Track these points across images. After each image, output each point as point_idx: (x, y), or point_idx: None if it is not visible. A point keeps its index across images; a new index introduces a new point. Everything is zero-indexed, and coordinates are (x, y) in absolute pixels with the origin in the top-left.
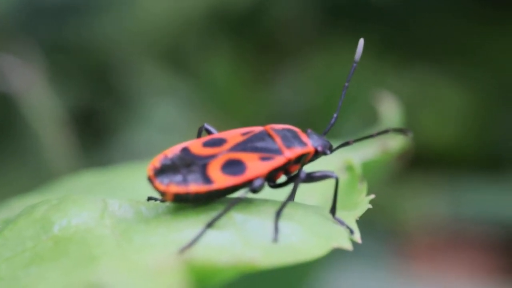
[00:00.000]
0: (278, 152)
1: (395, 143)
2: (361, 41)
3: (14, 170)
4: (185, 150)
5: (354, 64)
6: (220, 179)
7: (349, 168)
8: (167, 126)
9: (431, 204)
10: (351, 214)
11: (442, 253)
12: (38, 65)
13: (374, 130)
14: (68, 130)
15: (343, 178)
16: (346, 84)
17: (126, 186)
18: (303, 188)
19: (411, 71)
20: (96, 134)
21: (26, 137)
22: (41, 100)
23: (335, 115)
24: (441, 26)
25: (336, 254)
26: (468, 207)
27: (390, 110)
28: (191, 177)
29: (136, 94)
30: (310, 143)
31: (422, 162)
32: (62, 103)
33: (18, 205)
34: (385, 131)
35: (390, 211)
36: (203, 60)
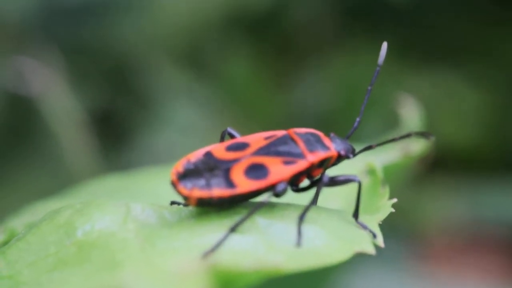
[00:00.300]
0: (301, 156)
1: (417, 146)
2: (385, 45)
3: (35, 172)
4: (208, 154)
5: (378, 68)
6: (243, 183)
7: (371, 172)
8: (186, 127)
9: (450, 206)
10: (373, 218)
11: (462, 256)
12: (58, 67)
13: (395, 134)
14: (88, 131)
15: (365, 182)
16: (369, 87)
17: (149, 191)
18: (326, 192)
19: (430, 72)
20: (116, 136)
21: (46, 139)
22: (61, 102)
23: (358, 119)
24: (459, 27)
25: (357, 257)
26: (487, 210)
27: (411, 113)
28: (214, 181)
29: (156, 95)
30: (333, 147)
31: (441, 164)
32: (82, 105)
33: (41, 209)
34: (408, 135)
35: (410, 214)
36: (223, 62)
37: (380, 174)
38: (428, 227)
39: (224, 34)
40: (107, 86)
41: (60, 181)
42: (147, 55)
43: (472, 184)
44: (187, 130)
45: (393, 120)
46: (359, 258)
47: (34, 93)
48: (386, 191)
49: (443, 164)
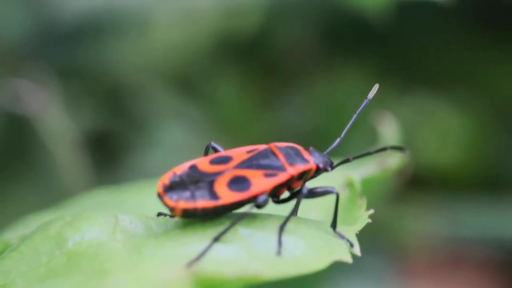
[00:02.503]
0: (281, 169)
1: (394, 160)
2: (376, 86)
3: (30, 188)
4: (193, 167)
5: (366, 100)
6: (226, 195)
7: (350, 184)
8: (177, 147)
9: (431, 224)
10: (351, 229)
11: (442, 273)
12: (53, 88)
13: (373, 148)
14: (82, 151)
15: (344, 194)
16: (355, 115)
17: (137, 203)
18: (306, 204)
19: (411, 94)
20: (109, 156)
21: (41, 159)
22: (56, 123)
23: (338, 139)
24: (441, 50)
25: (338, 272)
26: (467, 228)
27: (389, 130)
28: (198, 193)
29: (148, 117)
30: (312, 160)
31: (422, 184)
32: (76, 125)
33: (33, 222)
34: (383, 149)
35: (391, 231)
36: (212, 84)
37: (358, 186)
38: (409, 244)
39: (214, 58)
40: (101, 107)
41: (54, 197)
42: (140, 78)
43: (452, 203)
44: (178, 150)
45: (375, 139)
46: (341, 274)
47: (30, 114)
48: (363, 203)
49: (424, 184)
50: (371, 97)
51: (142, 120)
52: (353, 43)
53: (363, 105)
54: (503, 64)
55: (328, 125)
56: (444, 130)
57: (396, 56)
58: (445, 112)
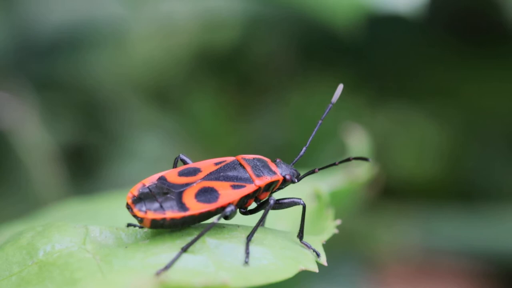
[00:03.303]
0: (248, 180)
1: (362, 171)
2: (340, 86)
3: (5, 202)
4: (161, 179)
5: (330, 105)
6: (194, 206)
7: (317, 195)
8: (153, 159)
9: (405, 234)
10: (317, 239)
11: (415, 283)
12: (30, 101)
13: (339, 159)
14: (58, 164)
15: (312, 205)
16: (320, 121)
17: (108, 214)
18: (274, 214)
19: (386, 107)
20: (86, 168)
21: (17, 171)
22: (32, 135)
23: (304, 148)
24: (416, 64)
25: (311, 282)
26: (441, 238)
27: (358, 141)
28: (167, 204)
29: (124, 129)
30: (279, 171)
31: (397, 194)
32: (53, 137)
33: (5, 232)
34: (347, 159)
35: (365, 241)
36: (188, 97)
37: (325, 197)
38: (383, 254)
39: (190, 71)
40: (78, 120)
41: (29, 210)
42: (117, 90)
43: (426, 214)
44: (154, 161)
45: (344, 151)
46: (314, 282)
47: (6, 126)
48: (331, 213)
49: (399, 194)
50: (335, 101)
51: (118, 132)
52: (327, 56)
53: (327, 110)
54: (477, 77)
55: (302, 137)
56: (419, 142)
57: (371, 69)
58: (419, 124)
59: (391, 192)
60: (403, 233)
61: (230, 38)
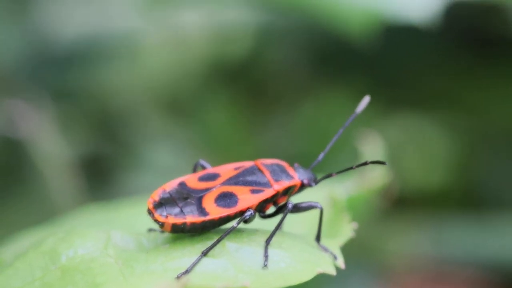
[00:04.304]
0: (267, 185)
1: (377, 176)
2: (367, 98)
3: (22, 211)
4: (182, 184)
5: (354, 114)
6: (214, 211)
7: (334, 200)
8: (167, 169)
9: (416, 244)
10: (334, 242)
11: None
12: (46, 111)
13: (355, 163)
14: (75, 173)
15: (329, 210)
16: (341, 129)
17: (125, 220)
18: (293, 219)
19: (397, 115)
20: (101, 177)
21: (34, 181)
22: (48, 145)
23: (322, 154)
24: (427, 73)
25: None
26: (451, 248)
27: (372, 147)
28: (187, 209)
29: (139, 139)
30: (297, 176)
31: (408, 203)
32: (69, 147)
33: (25, 238)
34: (364, 163)
35: (377, 250)
36: (201, 107)
37: (342, 201)
38: (394, 264)
39: (203, 81)
40: (93, 129)
41: (46, 218)
42: (132, 100)
43: (437, 224)
44: (168, 171)
45: (359, 158)
46: None
47: (24, 136)
48: (347, 217)
49: (410, 204)
50: (360, 111)
51: (133, 142)
52: (339, 66)
53: (350, 118)
54: (488, 87)
55: (314, 147)
56: (429, 151)
57: (383, 78)
58: (430, 133)
59: (401, 202)
60: (414, 243)
61: (242, 49)
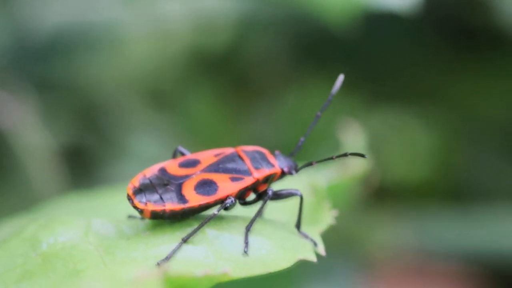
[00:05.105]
0: (247, 173)
1: (357, 165)
2: (341, 77)
3: (4, 202)
4: (162, 170)
5: (330, 97)
6: (193, 198)
7: (315, 188)
8: (150, 159)
9: (398, 235)
10: (315, 229)
11: (408, 283)
12: (28, 102)
13: (335, 154)
14: (57, 163)
15: (309, 198)
16: (319, 113)
17: (106, 208)
18: (273, 206)
19: (380, 108)
20: (83, 168)
21: (17, 171)
22: (30, 135)
23: (302, 139)
24: (410, 66)
25: (305, 281)
26: (434, 240)
27: (353, 137)
28: (167, 196)
29: (121, 129)
30: (277, 164)
31: (390, 195)
32: (51, 138)
33: (7, 225)
34: (344, 154)
35: (359, 241)
36: (184, 98)
37: (322, 190)
38: (376, 254)
39: (186, 72)
40: (76, 120)
41: (27, 208)
42: (114, 91)
43: (419, 215)
44: (151, 162)
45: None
46: (307, 281)
47: (5, 126)
48: (327, 205)
49: (392, 196)
50: (335, 92)
51: (116, 132)
52: (322, 56)
53: (327, 101)
54: (468, 79)
55: (297, 137)
56: (412, 143)
57: (365, 70)
58: (411, 126)
59: (384, 194)
60: (396, 234)
61: (224, 39)
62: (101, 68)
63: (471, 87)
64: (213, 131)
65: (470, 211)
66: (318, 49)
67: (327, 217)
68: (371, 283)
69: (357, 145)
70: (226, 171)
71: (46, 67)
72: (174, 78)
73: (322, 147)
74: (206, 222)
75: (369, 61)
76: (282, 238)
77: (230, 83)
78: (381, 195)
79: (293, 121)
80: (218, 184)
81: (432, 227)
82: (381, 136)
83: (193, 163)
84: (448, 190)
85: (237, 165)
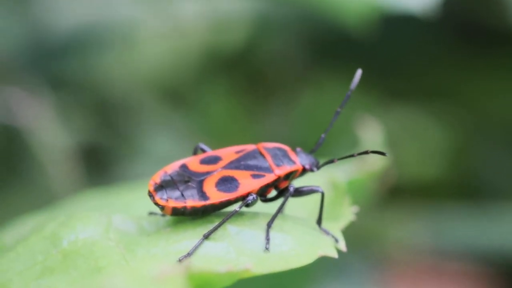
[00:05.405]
0: (268, 170)
1: (377, 161)
2: (359, 72)
3: (20, 199)
4: (183, 166)
5: (349, 92)
6: (214, 195)
7: (335, 184)
8: (165, 158)
9: (413, 234)
10: (336, 225)
11: (423, 282)
12: (45, 100)
13: (356, 151)
14: (73, 161)
15: (330, 194)
16: (339, 109)
17: (128, 203)
18: (294, 203)
19: (396, 107)
20: (99, 166)
21: (33, 169)
22: (46, 133)
23: (323, 136)
24: (425, 65)
25: (322, 278)
26: (449, 239)
27: (372, 134)
28: (188, 192)
29: (137, 128)
30: (299, 161)
31: (405, 194)
32: (67, 136)
33: (26, 222)
34: (365, 152)
35: (374, 240)
36: (199, 96)
37: (342, 186)
38: (391, 253)
39: (201, 70)
40: (91, 118)
41: (44, 205)
42: (129, 89)
43: (434, 214)
44: (166, 160)
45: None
46: (324, 278)
47: (22, 124)
48: (348, 201)
49: (408, 194)
50: (354, 87)
51: (132, 131)
52: (338, 55)
53: (346, 96)
54: (484, 80)
55: (313, 135)
56: (427, 142)
57: (381, 69)
58: (427, 124)
59: (400, 192)
60: (411, 233)
61: (239, 38)
62: (116, 67)
63: (485, 86)
64: (228, 129)
65: (485, 210)
66: (333, 48)
67: (348, 213)
68: (386, 281)
69: (375, 142)
70: (247, 168)
71: (62, 65)
72: (190, 76)
73: (340, 143)
74: (227, 219)
75: (383, 61)
76: (303, 234)
77: (245, 82)
78: (398, 193)
79: (308, 120)
80: (240, 181)
81: (447, 226)
82: (396, 134)
83: (214, 160)
84: (462, 189)
85: (259, 162)
